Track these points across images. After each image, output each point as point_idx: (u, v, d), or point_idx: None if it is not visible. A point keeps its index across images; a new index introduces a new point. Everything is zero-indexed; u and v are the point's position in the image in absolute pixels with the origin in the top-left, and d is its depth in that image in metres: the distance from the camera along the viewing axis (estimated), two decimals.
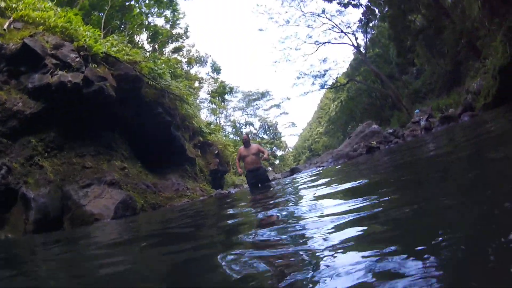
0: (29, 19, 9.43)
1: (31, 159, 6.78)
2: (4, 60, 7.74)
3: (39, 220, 6.37)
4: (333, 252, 1.48)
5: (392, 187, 3.12)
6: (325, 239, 1.73)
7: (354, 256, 1.40)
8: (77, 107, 8.67)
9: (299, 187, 6.17)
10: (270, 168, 36.79)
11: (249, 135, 8.97)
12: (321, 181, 5.73)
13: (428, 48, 22.82)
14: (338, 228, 1.91)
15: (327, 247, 1.57)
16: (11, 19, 9.20)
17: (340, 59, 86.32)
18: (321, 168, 14.52)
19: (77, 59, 8.68)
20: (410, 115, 20.78)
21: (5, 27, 8.67)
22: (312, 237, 1.88)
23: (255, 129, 48.10)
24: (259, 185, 7.77)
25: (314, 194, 4.00)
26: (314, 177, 8.02)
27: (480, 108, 10.05)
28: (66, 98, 8.13)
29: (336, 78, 35.89)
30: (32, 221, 6.27)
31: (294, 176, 13.91)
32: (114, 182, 8.84)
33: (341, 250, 1.49)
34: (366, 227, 1.82)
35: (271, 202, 4.41)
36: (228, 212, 4.78)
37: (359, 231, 1.75)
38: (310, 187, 5.36)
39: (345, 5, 27.81)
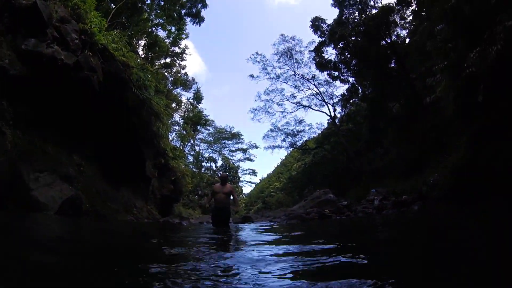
0: None
1: None
2: (10, 11, 7.20)
3: None
4: None
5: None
6: None
7: None
8: (57, 87, 8.15)
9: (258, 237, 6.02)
10: None
11: (228, 177, 9.49)
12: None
13: (398, 134, 24.34)
14: None
15: None
16: None
17: (314, 124, 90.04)
18: (274, 223, 14.38)
19: (76, 41, 8.32)
20: (368, 192, 21.50)
21: None
22: None
23: (216, 167, 47.30)
24: (219, 223, 8.40)
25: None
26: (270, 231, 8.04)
27: (431, 199, 10.58)
28: (51, 74, 7.64)
29: (306, 141, 37.04)
30: None
31: (247, 225, 13.58)
32: (67, 176, 8.14)
33: None
34: None
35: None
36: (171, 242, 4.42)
37: None
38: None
39: (334, 78, 29.70)
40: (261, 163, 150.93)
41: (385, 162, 26.52)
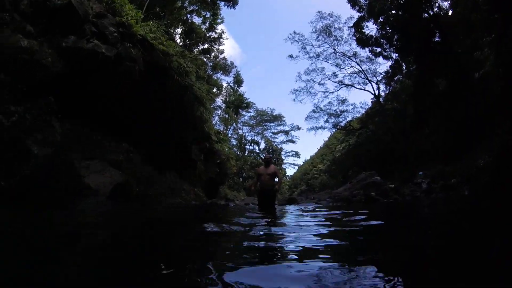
0: None
1: (44, 115, 6.57)
2: (47, 11, 7.63)
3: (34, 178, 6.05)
4: None
5: None
6: None
7: None
8: (101, 79, 8.56)
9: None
10: None
11: (272, 158, 9.54)
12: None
13: (445, 114, 22.70)
14: None
15: None
16: None
17: (358, 103, 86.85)
18: (320, 205, 14.19)
19: (115, 34, 8.64)
20: (414, 174, 20.45)
21: None
22: None
23: (259, 149, 47.60)
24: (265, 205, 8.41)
25: None
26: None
27: (481, 183, 9.86)
28: (93, 68, 8.03)
29: (350, 121, 35.62)
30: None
31: (294, 207, 13.51)
32: (117, 162, 8.63)
33: None
34: None
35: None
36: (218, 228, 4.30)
37: None
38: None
39: (376, 55, 28.04)
40: (304, 145, 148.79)
41: (431, 143, 24.89)
